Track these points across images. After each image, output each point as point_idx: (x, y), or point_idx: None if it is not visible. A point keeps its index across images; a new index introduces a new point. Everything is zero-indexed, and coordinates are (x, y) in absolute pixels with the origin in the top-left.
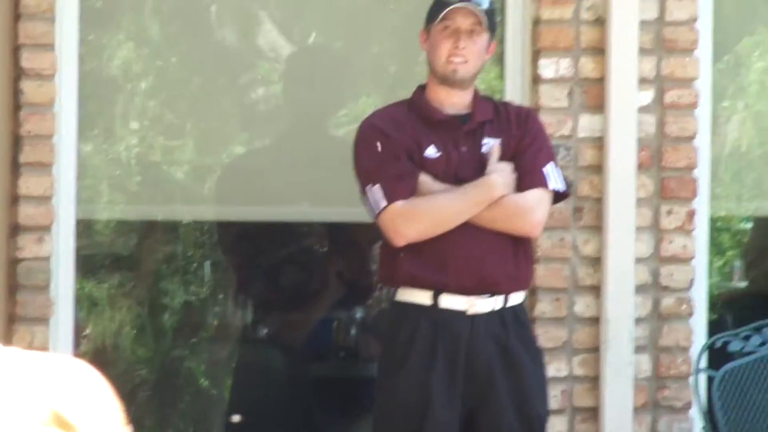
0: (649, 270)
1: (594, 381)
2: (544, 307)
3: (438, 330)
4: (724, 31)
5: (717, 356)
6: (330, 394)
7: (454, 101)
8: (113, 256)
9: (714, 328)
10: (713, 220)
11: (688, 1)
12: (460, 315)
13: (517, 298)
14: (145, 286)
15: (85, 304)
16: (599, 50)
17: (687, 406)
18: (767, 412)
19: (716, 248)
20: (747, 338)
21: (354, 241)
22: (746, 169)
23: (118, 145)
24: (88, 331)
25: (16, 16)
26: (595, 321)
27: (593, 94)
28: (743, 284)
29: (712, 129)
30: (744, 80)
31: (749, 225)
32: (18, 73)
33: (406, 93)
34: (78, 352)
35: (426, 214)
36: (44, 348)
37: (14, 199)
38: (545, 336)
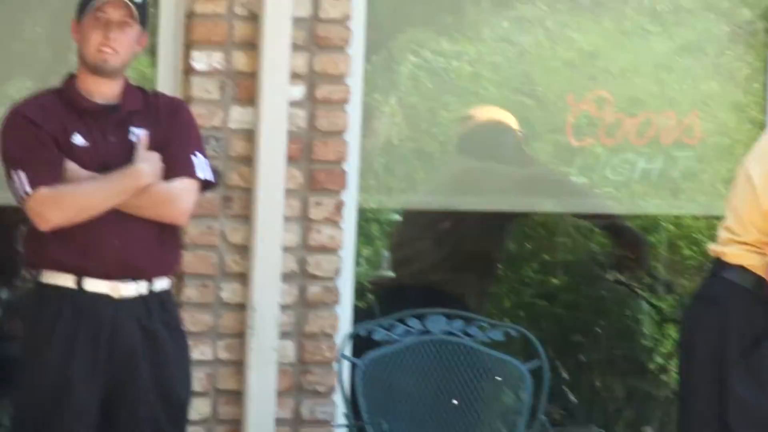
0: (297, 259)
1: (238, 365)
2: (190, 292)
3: (81, 313)
4: (378, 28)
5: (362, 344)
6: None
7: (103, 91)
8: None
9: (361, 316)
10: (364, 211)
11: (341, 0)
12: (104, 299)
13: (162, 283)
14: None
15: None
16: (252, 45)
17: (330, 392)
18: (408, 399)
19: (366, 238)
20: (391, 327)
21: (0, 223)
22: (397, 163)
23: None
24: None
25: None
26: (242, 307)
27: (245, 88)
28: (391, 274)
29: (365, 123)
30: (396, 76)
31: (398, 217)
32: None
33: (59, 80)
34: None
35: (71, 200)
36: None
37: None
38: (191, 320)
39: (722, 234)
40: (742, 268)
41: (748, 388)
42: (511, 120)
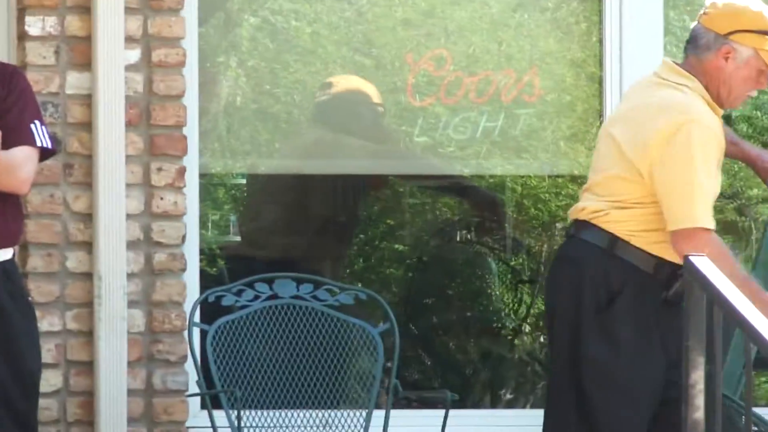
0: (141, 226)
1: (88, 335)
2: (36, 262)
3: None
4: None
5: (212, 310)
6: None
7: None
8: None
9: (212, 281)
10: (210, 176)
11: None
12: None
13: (5, 253)
14: None
15: None
16: (86, 8)
17: (182, 360)
18: (259, 364)
19: (213, 203)
20: (240, 293)
21: None
22: (240, 125)
23: None
24: None
25: None
26: (88, 276)
27: (80, 52)
28: (239, 238)
29: (207, 86)
30: (236, 37)
31: (243, 180)
32: None
33: None
34: None
35: None
36: None
37: None
38: (38, 291)
39: (583, 196)
40: (597, 228)
41: (600, 348)
42: (371, 92)
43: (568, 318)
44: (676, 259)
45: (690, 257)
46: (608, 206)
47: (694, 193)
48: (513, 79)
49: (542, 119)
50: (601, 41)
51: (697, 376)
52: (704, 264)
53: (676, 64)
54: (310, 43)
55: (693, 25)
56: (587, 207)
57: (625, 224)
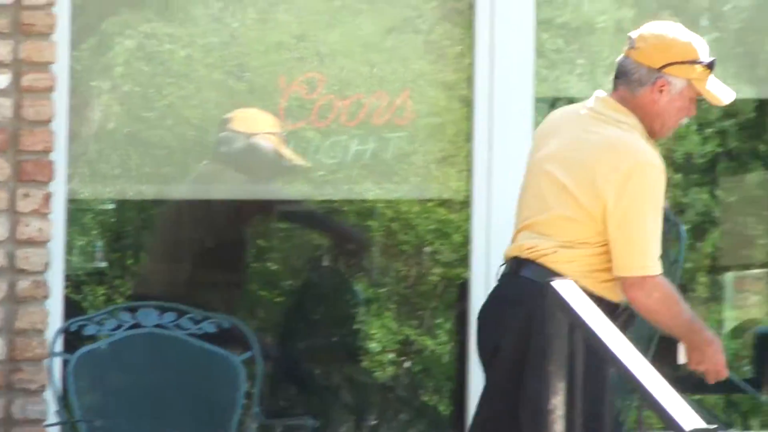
0: (5, 253)
1: None
2: None
3: None
4: (86, 13)
5: (76, 338)
6: None
7: None
8: None
9: (77, 308)
10: (79, 201)
11: None
12: None
13: None
14: None
15: None
16: None
17: (42, 389)
18: (121, 394)
19: (81, 228)
20: (102, 322)
21: None
22: (111, 150)
23: None
24: None
25: None
26: None
27: None
28: (105, 264)
29: (79, 111)
30: (110, 61)
31: (112, 205)
32: None
33: None
34: None
35: None
36: None
37: None
38: None
39: (520, 234)
40: (541, 267)
41: (540, 387)
42: (269, 126)
43: (513, 357)
44: (620, 299)
45: (552, 282)
46: (556, 245)
47: (646, 240)
48: (385, 102)
49: (413, 142)
50: (472, 63)
51: (557, 402)
52: (566, 288)
53: (610, 97)
54: (184, 67)
55: (619, 58)
56: (531, 245)
57: (573, 264)
